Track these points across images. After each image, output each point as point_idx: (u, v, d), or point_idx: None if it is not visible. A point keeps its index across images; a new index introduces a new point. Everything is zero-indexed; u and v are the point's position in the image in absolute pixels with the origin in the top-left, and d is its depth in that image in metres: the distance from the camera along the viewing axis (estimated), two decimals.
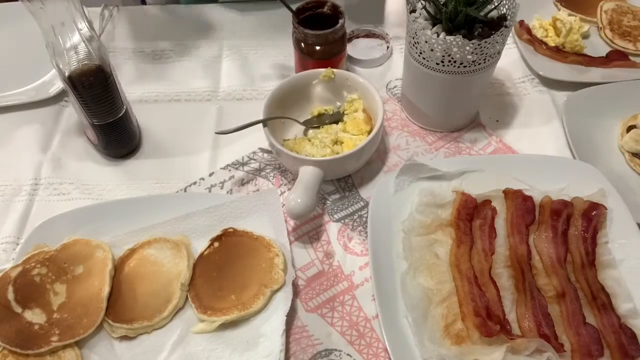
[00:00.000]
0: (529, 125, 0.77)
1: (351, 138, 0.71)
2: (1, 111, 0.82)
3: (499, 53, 0.67)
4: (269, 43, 0.90)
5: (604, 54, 0.83)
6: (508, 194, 0.65)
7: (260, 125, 0.68)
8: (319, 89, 0.75)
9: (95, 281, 0.59)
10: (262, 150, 0.76)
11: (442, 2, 0.64)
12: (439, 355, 0.53)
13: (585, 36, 0.87)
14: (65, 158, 0.76)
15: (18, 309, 0.57)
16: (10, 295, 0.58)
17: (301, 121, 0.75)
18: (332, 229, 0.67)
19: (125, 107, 0.71)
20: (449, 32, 0.64)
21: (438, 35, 0.64)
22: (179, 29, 0.94)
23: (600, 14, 0.89)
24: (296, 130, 0.75)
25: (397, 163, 0.73)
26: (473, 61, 0.64)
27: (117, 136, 0.73)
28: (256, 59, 0.88)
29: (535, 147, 0.74)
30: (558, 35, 0.85)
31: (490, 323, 0.54)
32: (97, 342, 0.58)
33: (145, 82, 0.85)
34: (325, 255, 0.65)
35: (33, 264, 0.60)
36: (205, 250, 0.62)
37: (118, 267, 0.61)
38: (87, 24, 0.63)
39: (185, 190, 0.72)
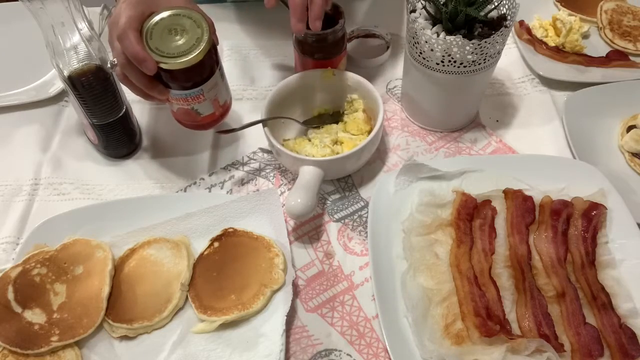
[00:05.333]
0: (529, 125, 0.77)
1: (351, 138, 0.71)
2: (1, 111, 0.82)
3: (499, 53, 0.67)
4: (269, 43, 0.90)
5: (604, 54, 0.83)
6: (508, 194, 0.65)
7: (260, 125, 0.68)
8: (318, 89, 0.75)
9: (95, 281, 0.59)
10: (262, 150, 0.76)
11: (442, 2, 0.64)
12: (439, 355, 0.53)
13: (585, 36, 0.87)
14: (65, 158, 0.76)
15: (18, 309, 0.57)
16: (10, 295, 0.58)
17: (301, 121, 0.75)
18: (332, 229, 0.67)
19: (125, 107, 0.71)
20: (449, 32, 0.64)
21: (438, 35, 0.64)
22: None
23: (600, 14, 0.89)
24: (296, 130, 0.75)
25: (397, 163, 0.73)
26: (473, 61, 0.64)
27: (117, 136, 0.73)
28: (256, 59, 0.88)
29: (535, 147, 0.74)
30: (558, 35, 0.85)
31: (490, 323, 0.54)
32: (97, 342, 0.58)
33: None
34: (325, 255, 0.65)
35: (33, 264, 0.60)
36: (205, 250, 0.62)
37: (118, 267, 0.61)
38: (87, 24, 0.63)
39: (185, 190, 0.72)
